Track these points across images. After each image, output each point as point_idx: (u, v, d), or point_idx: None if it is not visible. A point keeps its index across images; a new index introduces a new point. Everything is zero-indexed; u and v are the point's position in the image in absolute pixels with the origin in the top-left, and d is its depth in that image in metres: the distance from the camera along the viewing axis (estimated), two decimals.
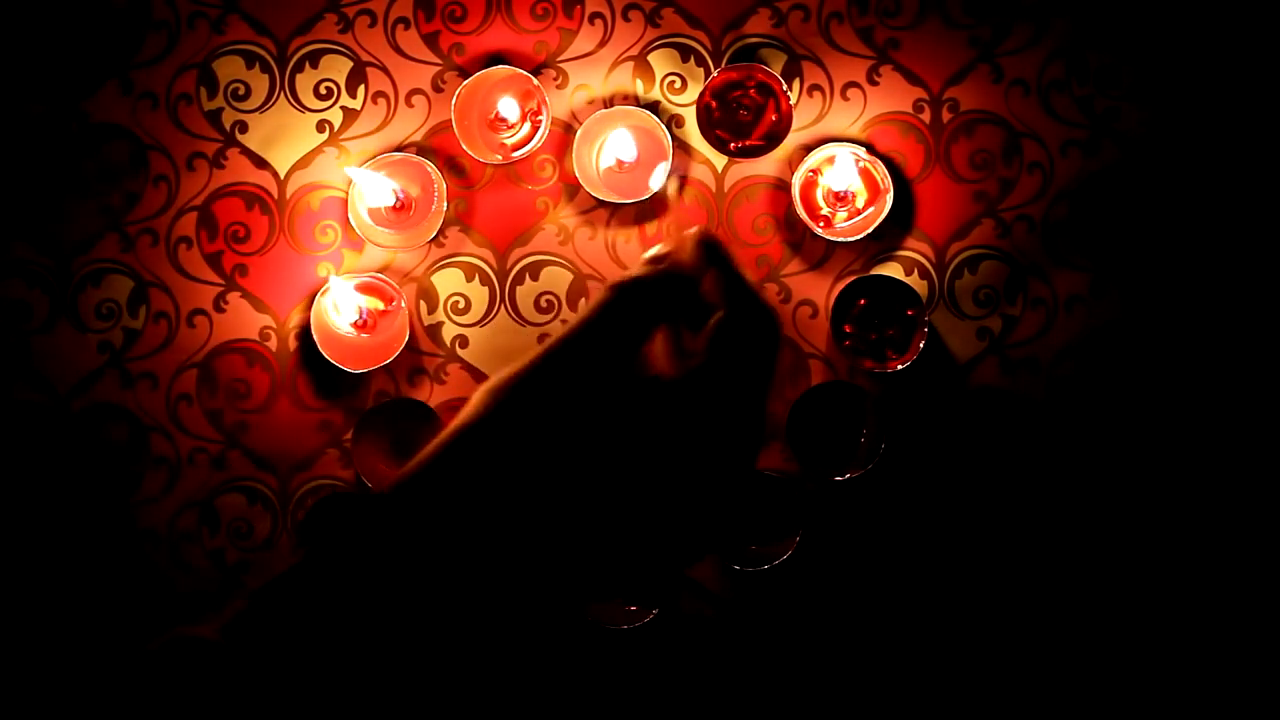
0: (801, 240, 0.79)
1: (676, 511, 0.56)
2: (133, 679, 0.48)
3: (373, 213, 0.79)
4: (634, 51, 0.80)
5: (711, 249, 0.62)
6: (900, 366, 0.76)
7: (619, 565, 0.56)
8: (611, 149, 0.78)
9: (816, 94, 0.79)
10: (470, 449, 0.54)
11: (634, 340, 0.60)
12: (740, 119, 0.75)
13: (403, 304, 0.78)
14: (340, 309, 0.78)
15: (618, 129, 0.78)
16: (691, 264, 0.63)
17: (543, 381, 0.56)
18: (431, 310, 0.79)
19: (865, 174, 0.77)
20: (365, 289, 0.78)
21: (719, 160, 0.79)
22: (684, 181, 0.75)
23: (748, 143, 0.78)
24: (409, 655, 0.50)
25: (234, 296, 0.79)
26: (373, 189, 0.78)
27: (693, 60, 0.79)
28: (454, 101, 0.77)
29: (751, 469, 0.60)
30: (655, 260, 0.64)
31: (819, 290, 0.78)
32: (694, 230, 0.64)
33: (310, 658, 0.49)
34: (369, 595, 0.50)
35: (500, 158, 0.78)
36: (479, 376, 0.79)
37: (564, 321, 0.79)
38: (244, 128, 0.80)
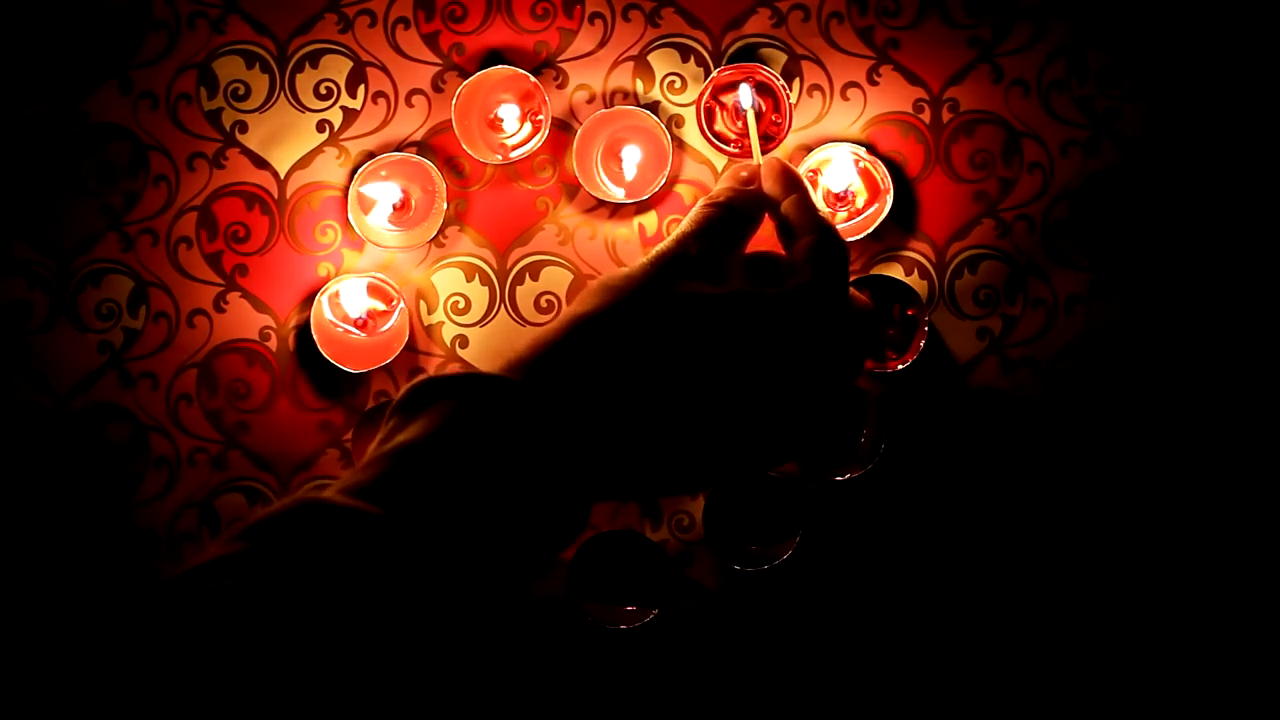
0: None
1: (778, 414, 0.58)
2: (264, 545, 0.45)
3: (372, 213, 0.79)
4: (634, 51, 0.80)
5: (793, 177, 0.66)
6: (900, 366, 0.76)
7: (717, 461, 0.57)
8: (619, 155, 0.78)
9: (816, 94, 0.79)
10: (589, 338, 0.56)
11: (731, 250, 0.64)
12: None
13: (403, 304, 0.78)
14: (349, 309, 0.78)
15: (626, 146, 0.78)
16: (775, 187, 0.67)
17: (657, 282, 0.58)
18: (431, 310, 0.79)
19: (865, 174, 0.77)
20: (365, 289, 0.78)
21: (719, 160, 0.79)
22: (762, 106, 0.76)
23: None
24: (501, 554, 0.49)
25: (234, 296, 0.79)
26: (380, 195, 0.78)
27: (693, 60, 0.79)
28: (454, 101, 0.77)
29: (855, 376, 0.63)
30: (746, 180, 0.68)
31: None
32: (776, 159, 0.68)
33: (449, 523, 0.48)
34: (501, 469, 0.50)
35: (500, 158, 0.78)
36: None
37: None
38: (244, 128, 0.80)
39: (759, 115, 0.75)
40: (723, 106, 0.78)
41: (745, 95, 0.75)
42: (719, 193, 0.68)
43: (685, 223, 0.65)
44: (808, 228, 0.65)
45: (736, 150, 0.78)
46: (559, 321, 0.58)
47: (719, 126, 0.78)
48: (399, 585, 0.45)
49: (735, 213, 0.67)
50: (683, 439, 0.56)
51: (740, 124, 0.76)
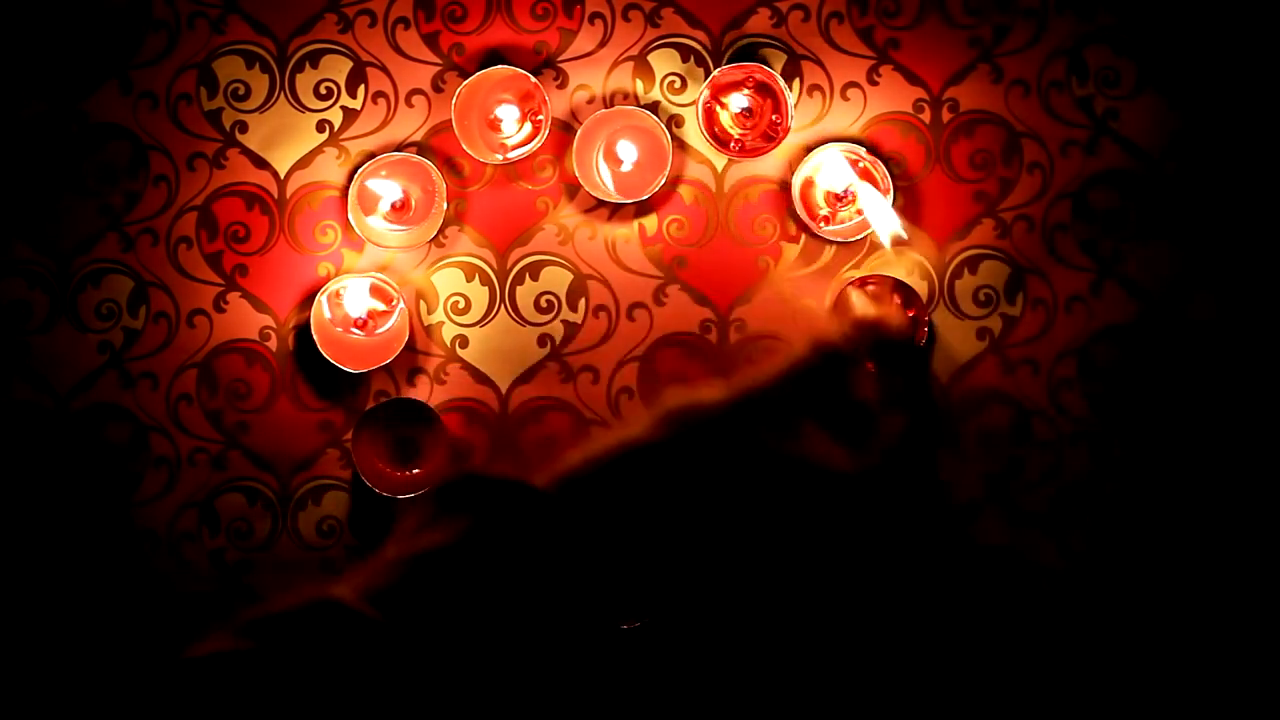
0: (801, 240, 0.79)
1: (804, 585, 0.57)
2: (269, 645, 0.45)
3: (373, 213, 0.79)
4: (634, 51, 0.80)
5: (914, 348, 0.63)
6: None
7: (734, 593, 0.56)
8: (617, 152, 0.78)
9: (816, 94, 0.79)
10: (642, 466, 0.54)
11: (821, 405, 0.60)
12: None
13: (403, 304, 0.78)
14: (349, 309, 0.78)
15: (621, 140, 0.78)
16: (893, 333, 0.63)
17: (726, 426, 0.56)
18: (431, 310, 0.79)
19: (865, 174, 0.77)
20: (365, 289, 0.78)
21: (719, 160, 0.79)
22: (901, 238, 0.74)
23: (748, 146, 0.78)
24: (519, 639, 0.49)
25: (234, 296, 0.79)
26: (383, 192, 0.78)
27: (693, 60, 0.79)
28: (454, 101, 0.77)
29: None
30: (860, 324, 0.63)
31: (819, 290, 0.78)
32: (904, 309, 0.64)
33: (458, 631, 0.47)
34: (519, 581, 0.49)
35: (500, 157, 0.78)
36: (479, 376, 0.79)
37: (565, 322, 0.79)
38: (244, 128, 0.80)
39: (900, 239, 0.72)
40: (723, 106, 0.78)
41: (891, 221, 0.72)
42: (830, 336, 0.61)
43: (778, 360, 0.60)
44: (903, 399, 0.61)
45: (737, 149, 0.78)
46: (611, 440, 0.55)
47: (718, 127, 0.78)
48: (401, 700, 0.44)
49: (838, 363, 0.61)
50: (710, 582, 0.55)
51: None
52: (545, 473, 0.54)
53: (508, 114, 0.79)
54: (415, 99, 0.80)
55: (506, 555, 0.50)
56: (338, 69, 0.80)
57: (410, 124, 0.80)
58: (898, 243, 0.70)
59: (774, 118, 0.78)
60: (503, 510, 0.51)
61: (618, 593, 0.52)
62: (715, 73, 0.77)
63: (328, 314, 0.78)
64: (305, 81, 0.80)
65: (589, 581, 0.52)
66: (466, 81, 0.77)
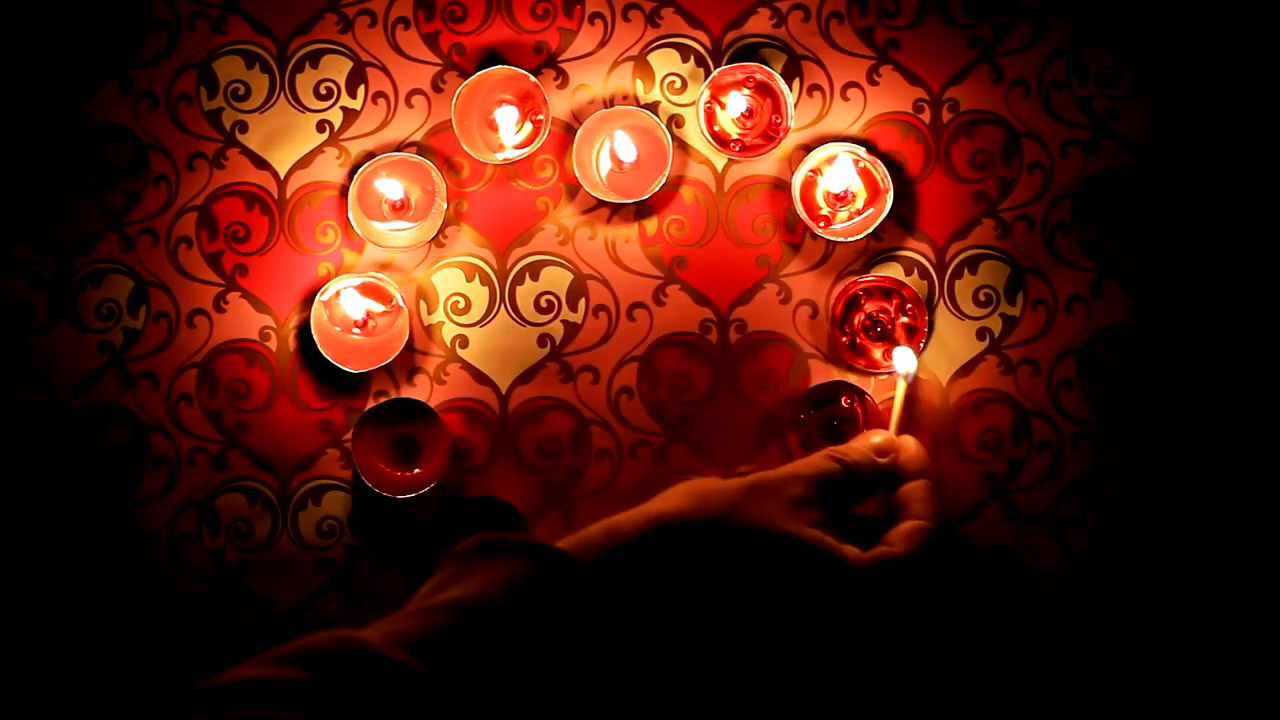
0: (801, 240, 0.79)
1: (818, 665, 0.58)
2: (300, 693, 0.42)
3: (373, 213, 0.79)
4: (634, 51, 0.80)
5: (927, 462, 0.67)
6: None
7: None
8: (616, 149, 0.78)
9: (816, 94, 0.79)
10: (669, 543, 0.55)
11: (831, 510, 0.62)
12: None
13: (403, 304, 0.78)
14: (349, 309, 0.78)
15: (618, 131, 0.78)
16: (913, 469, 0.65)
17: (746, 506, 0.58)
18: (431, 310, 0.79)
19: (865, 174, 0.77)
20: (365, 289, 0.78)
21: (719, 160, 0.79)
22: (916, 374, 0.74)
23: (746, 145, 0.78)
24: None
25: (234, 296, 0.79)
26: (383, 192, 0.78)
27: (693, 60, 0.79)
28: (454, 101, 0.77)
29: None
30: (881, 451, 0.67)
31: (819, 290, 0.78)
32: (915, 442, 0.68)
33: (497, 700, 0.46)
34: (558, 656, 0.48)
35: (500, 157, 0.78)
36: (479, 376, 0.79)
37: (565, 322, 0.79)
38: (244, 128, 0.80)
39: (910, 379, 0.73)
40: (722, 106, 0.78)
41: (903, 360, 0.73)
42: (850, 454, 0.66)
43: (798, 464, 0.63)
44: (925, 514, 0.64)
45: (737, 150, 0.78)
46: (638, 516, 0.56)
47: (718, 126, 0.78)
48: None
49: (857, 480, 0.65)
50: (734, 655, 0.56)
51: (888, 386, 0.75)
52: (573, 533, 0.55)
53: (508, 114, 0.79)
54: (415, 99, 0.80)
55: (551, 620, 0.50)
56: (338, 69, 0.80)
57: (410, 124, 0.80)
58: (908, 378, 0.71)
59: (774, 118, 0.78)
60: (546, 572, 0.51)
61: (649, 666, 0.52)
62: (715, 73, 0.77)
63: (327, 314, 0.78)
64: (305, 81, 0.80)
65: (625, 658, 0.51)
66: (466, 81, 0.77)
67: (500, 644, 0.47)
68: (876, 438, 0.69)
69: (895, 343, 0.76)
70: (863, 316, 0.77)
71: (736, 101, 0.77)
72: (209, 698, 0.40)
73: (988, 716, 0.75)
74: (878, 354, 0.77)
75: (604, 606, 0.51)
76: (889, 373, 0.75)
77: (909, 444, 0.68)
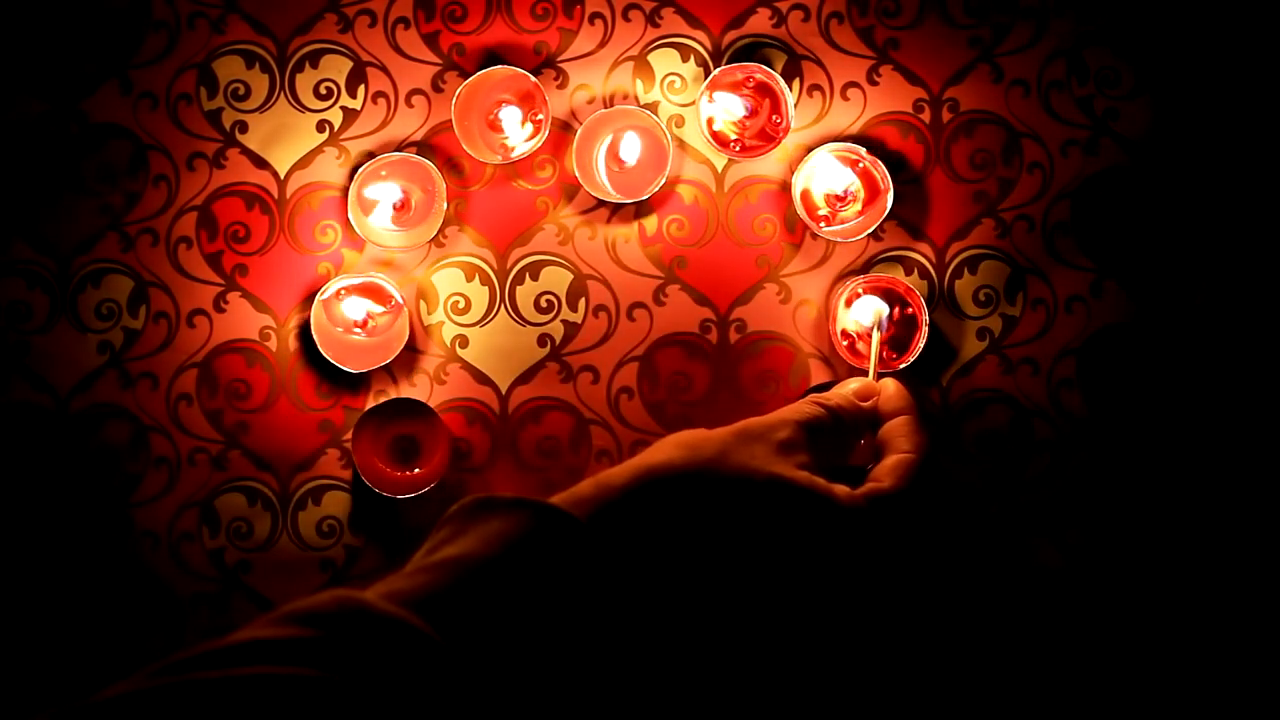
0: (801, 240, 0.79)
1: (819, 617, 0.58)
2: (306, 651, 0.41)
3: (373, 213, 0.79)
4: (634, 51, 0.80)
5: (909, 399, 0.66)
6: (900, 366, 0.76)
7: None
8: (621, 148, 0.78)
9: (816, 94, 0.79)
10: (659, 495, 0.55)
11: (818, 456, 0.61)
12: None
13: (403, 304, 0.78)
14: (349, 309, 0.78)
15: (629, 132, 0.78)
16: (890, 406, 0.65)
17: (735, 452, 0.57)
18: (431, 310, 0.79)
19: (865, 174, 0.77)
20: (365, 289, 0.78)
21: (719, 160, 0.79)
22: (888, 321, 0.75)
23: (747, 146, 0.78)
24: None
25: (234, 296, 0.79)
26: (383, 192, 0.78)
27: (693, 60, 0.79)
28: (454, 102, 0.77)
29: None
30: (862, 397, 0.66)
31: (819, 290, 0.78)
32: (895, 382, 0.68)
33: (500, 657, 0.46)
34: (556, 611, 0.48)
35: (500, 158, 0.78)
36: (479, 376, 0.79)
37: (564, 322, 0.79)
38: (244, 128, 0.80)
39: (882, 327, 0.74)
40: (722, 106, 0.78)
41: (867, 310, 0.74)
42: (833, 398, 0.66)
43: (784, 409, 0.63)
44: (907, 448, 0.63)
45: (737, 150, 0.78)
46: (627, 469, 0.56)
47: (719, 128, 0.78)
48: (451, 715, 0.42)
49: (841, 424, 0.65)
50: (729, 611, 0.55)
51: (863, 341, 0.76)
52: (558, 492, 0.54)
53: (508, 114, 0.79)
54: (415, 99, 0.80)
55: (549, 575, 0.49)
56: (338, 69, 0.80)
57: (410, 124, 0.80)
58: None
59: (774, 118, 0.78)
60: (542, 527, 0.50)
61: (645, 616, 0.52)
62: (715, 73, 0.77)
63: (327, 314, 0.78)
64: (305, 81, 0.80)
65: (621, 612, 0.51)
66: (466, 81, 0.77)
67: (499, 599, 0.47)
68: (855, 383, 0.69)
69: (895, 343, 0.76)
70: (863, 316, 0.77)
71: (737, 102, 0.77)
72: (220, 657, 0.40)
73: (987, 716, 0.75)
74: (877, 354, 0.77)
75: (599, 560, 0.51)
76: (866, 330, 0.75)
77: (888, 385, 0.68)
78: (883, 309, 0.74)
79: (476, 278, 0.79)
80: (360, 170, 0.78)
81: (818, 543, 0.57)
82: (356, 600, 0.43)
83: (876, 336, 0.73)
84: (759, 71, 0.77)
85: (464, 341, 0.79)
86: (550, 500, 0.53)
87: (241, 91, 0.80)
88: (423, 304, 0.79)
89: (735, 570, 0.56)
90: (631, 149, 0.78)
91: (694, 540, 0.55)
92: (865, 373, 0.72)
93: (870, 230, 0.76)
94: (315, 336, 0.77)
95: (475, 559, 0.48)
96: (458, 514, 0.51)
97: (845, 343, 0.77)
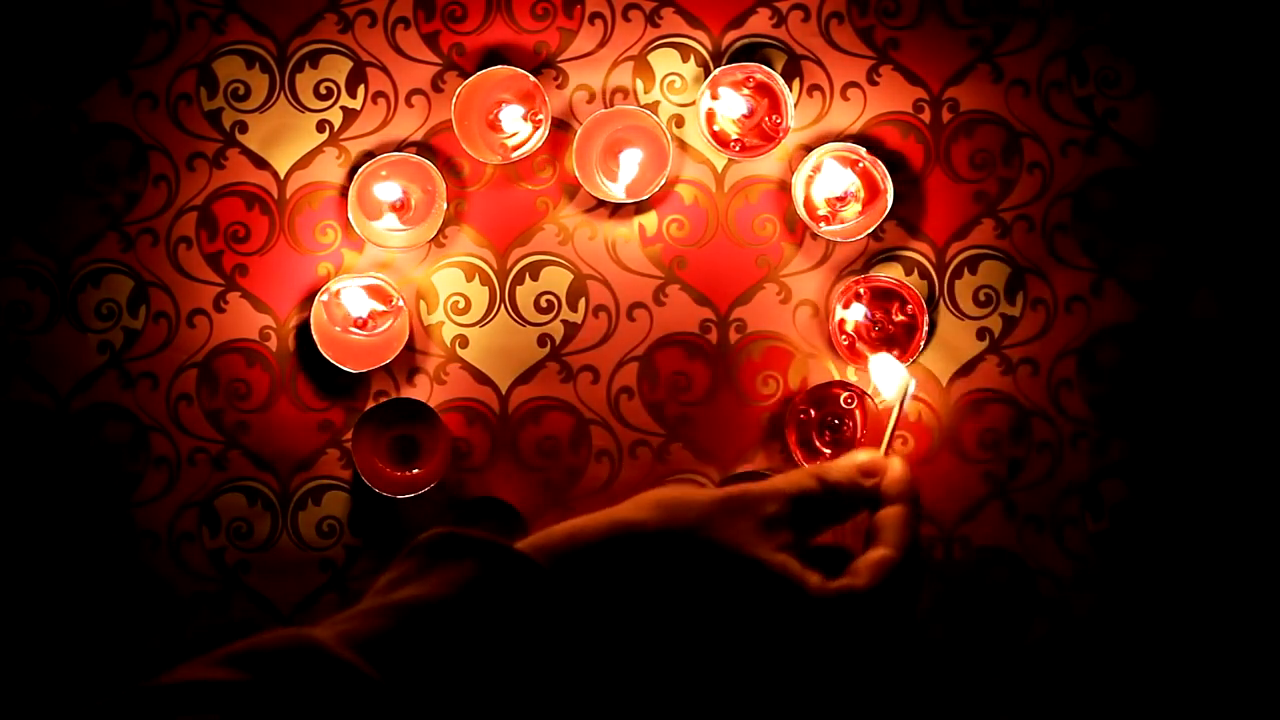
0: (801, 240, 0.79)
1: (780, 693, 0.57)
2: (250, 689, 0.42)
3: (373, 213, 0.79)
4: (634, 51, 0.80)
5: (912, 488, 0.62)
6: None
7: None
8: (620, 160, 0.78)
9: (816, 94, 0.79)
10: (629, 552, 0.54)
11: (807, 532, 0.60)
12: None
13: (402, 304, 0.78)
14: (349, 309, 0.78)
15: (632, 149, 0.78)
16: (892, 490, 0.63)
17: (713, 522, 0.56)
18: (431, 310, 0.79)
19: (865, 174, 0.77)
20: (365, 289, 0.78)
21: (719, 160, 0.79)
22: (910, 394, 0.73)
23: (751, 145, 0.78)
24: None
25: (234, 296, 0.79)
26: (383, 192, 0.78)
27: (693, 60, 0.79)
28: (454, 101, 0.77)
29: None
30: (866, 473, 0.64)
31: (819, 290, 0.78)
32: (903, 464, 0.65)
33: (448, 702, 0.45)
34: (512, 658, 0.48)
35: (500, 158, 0.78)
36: (479, 376, 0.79)
37: (565, 322, 0.79)
38: (244, 128, 0.80)
39: (908, 400, 0.70)
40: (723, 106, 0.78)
41: (894, 381, 0.71)
42: (834, 471, 0.63)
43: (779, 479, 0.61)
44: (894, 543, 0.60)
45: (737, 150, 0.78)
46: (603, 521, 0.55)
47: (718, 126, 0.78)
48: None
49: (837, 499, 0.61)
50: (689, 670, 0.55)
51: (881, 405, 0.74)
52: (533, 536, 0.54)
53: (508, 114, 0.79)
54: (415, 99, 0.80)
55: (504, 622, 0.49)
56: (338, 69, 0.80)
57: (410, 124, 0.80)
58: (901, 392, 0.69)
59: (774, 117, 0.78)
60: (500, 573, 0.50)
61: (604, 670, 0.51)
62: (715, 72, 0.77)
63: (327, 314, 0.78)
64: (305, 81, 0.80)
65: (580, 663, 0.50)
66: (466, 81, 0.77)
67: (453, 645, 0.47)
68: (863, 456, 0.68)
69: (895, 343, 0.76)
70: (863, 317, 0.77)
71: (737, 102, 0.77)
72: (145, 698, 0.40)
73: (987, 716, 0.75)
74: (878, 354, 0.77)
75: (559, 611, 0.50)
76: (883, 396, 0.74)
77: (894, 467, 0.66)
78: (910, 381, 0.71)
79: (476, 278, 0.79)
80: (360, 170, 0.78)
81: (781, 630, 0.57)
82: (306, 640, 0.43)
83: (897, 410, 0.70)
84: (759, 71, 0.77)
85: (464, 341, 0.79)
86: (521, 544, 0.52)
87: (241, 91, 0.80)
88: (423, 304, 0.79)
89: (694, 641, 0.55)
90: (630, 165, 0.78)
91: (658, 604, 0.54)
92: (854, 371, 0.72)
93: (870, 230, 0.76)
94: (315, 336, 0.77)
95: (431, 601, 0.47)
96: (421, 548, 0.51)
97: (846, 342, 0.77)
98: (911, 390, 0.71)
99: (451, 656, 0.46)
